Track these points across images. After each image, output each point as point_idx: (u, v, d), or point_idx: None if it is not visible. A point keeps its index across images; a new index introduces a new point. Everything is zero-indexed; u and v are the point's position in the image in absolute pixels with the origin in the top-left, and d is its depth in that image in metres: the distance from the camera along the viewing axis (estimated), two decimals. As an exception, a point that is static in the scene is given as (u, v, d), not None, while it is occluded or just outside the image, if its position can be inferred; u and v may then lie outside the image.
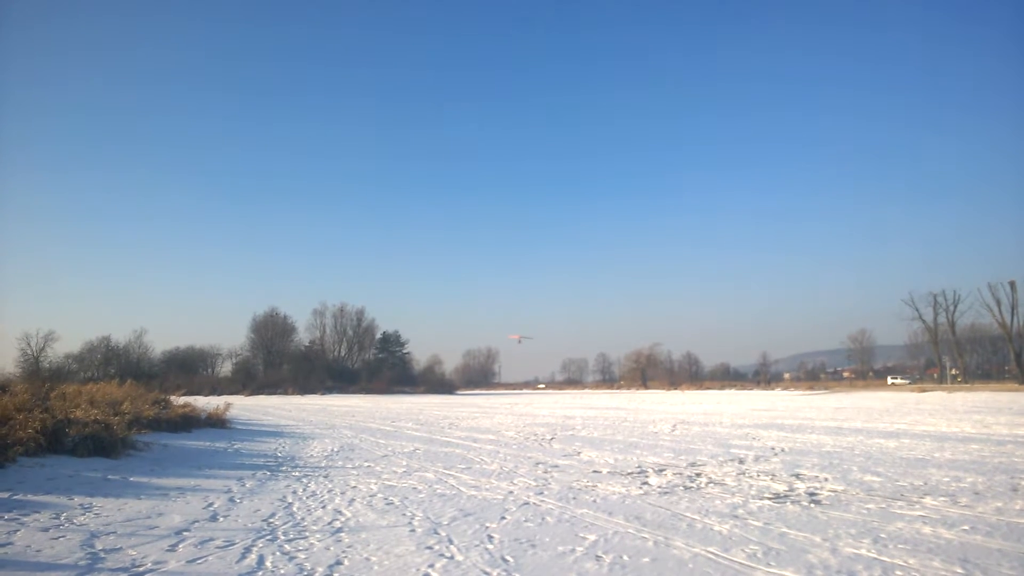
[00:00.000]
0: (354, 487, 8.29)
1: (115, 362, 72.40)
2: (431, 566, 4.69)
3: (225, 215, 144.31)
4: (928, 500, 6.93)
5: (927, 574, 4.37)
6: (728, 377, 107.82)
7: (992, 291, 64.29)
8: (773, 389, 76.34)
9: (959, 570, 4.43)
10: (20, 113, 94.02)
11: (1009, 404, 29.29)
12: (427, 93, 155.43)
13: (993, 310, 64.60)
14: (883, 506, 6.67)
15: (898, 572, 4.43)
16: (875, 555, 4.83)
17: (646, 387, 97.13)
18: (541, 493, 7.70)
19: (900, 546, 5.07)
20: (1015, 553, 4.83)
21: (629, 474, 9.16)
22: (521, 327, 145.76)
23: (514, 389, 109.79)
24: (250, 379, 75.99)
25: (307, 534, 5.72)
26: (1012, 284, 63.46)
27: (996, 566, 4.52)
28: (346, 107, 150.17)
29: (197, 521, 6.25)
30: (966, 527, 5.68)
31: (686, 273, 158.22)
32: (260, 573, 4.53)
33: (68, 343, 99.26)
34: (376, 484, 8.52)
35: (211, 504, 7.13)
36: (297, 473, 9.68)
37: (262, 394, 65.46)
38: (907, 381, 70.26)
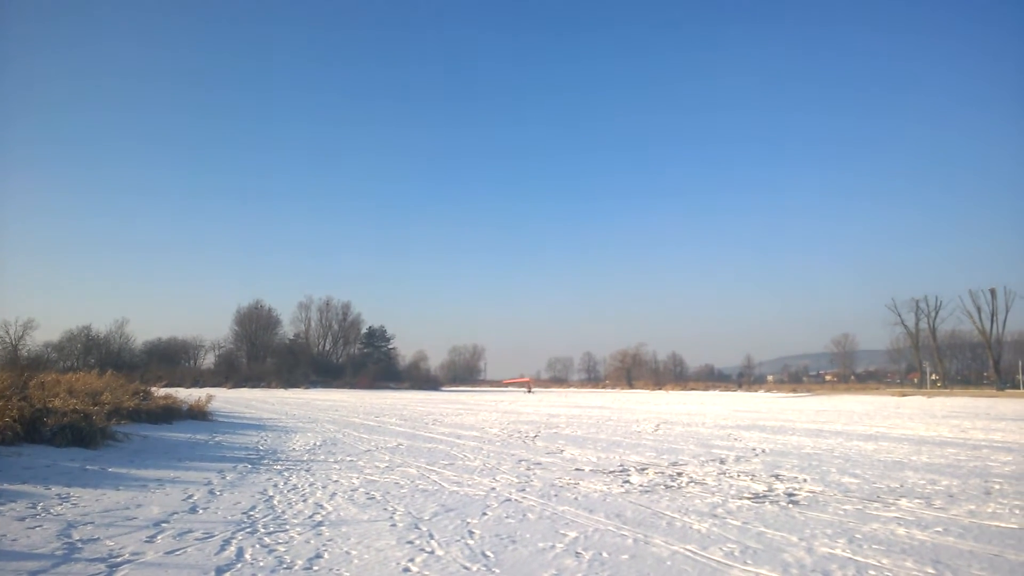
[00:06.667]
0: (336, 481, 8.26)
1: (95, 352, 71.15)
2: (411, 560, 4.70)
3: (211, 206, 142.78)
4: (903, 502, 7.04)
5: (900, 574, 4.45)
6: (712, 378, 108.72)
7: (973, 298, 65.76)
8: (756, 391, 76.99)
9: (931, 570, 4.51)
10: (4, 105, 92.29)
11: (987, 409, 29.79)
12: (424, 91, 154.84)
13: (974, 317, 66.03)
14: (859, 507, 6.77)
15: (871, 572, 4.50)
16: (850, 555, 4.91)
17: (631, 387, 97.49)
18: (523, 490, 7.72)
19: (875, 546, 5.15)
20: (985, 555, 4.93)
21: (611, 472, 9.21)
22: (507, 325, 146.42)
23: (500, 387, 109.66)
24: (233, 371, 75.15)
25: (287, 527, 5.70)
26: (992, 292, 64.89)
27: (967, 567, 4.61)
28: (337, 104, 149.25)
29: (176, 513, 6.21)
30: (939, 529, 5.78)
31: (672, 274, 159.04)
32: (239, 565, 4.51)
33: (48, 332, 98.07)
34: (358, 479, 8.50)
35: (191, 496, 7.08)
36: (279, 466, 9.63)
37: (245, 387, 64.85)
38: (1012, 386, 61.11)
